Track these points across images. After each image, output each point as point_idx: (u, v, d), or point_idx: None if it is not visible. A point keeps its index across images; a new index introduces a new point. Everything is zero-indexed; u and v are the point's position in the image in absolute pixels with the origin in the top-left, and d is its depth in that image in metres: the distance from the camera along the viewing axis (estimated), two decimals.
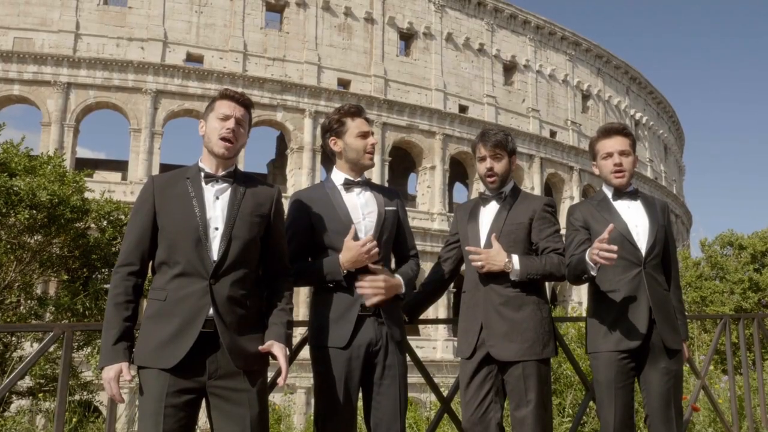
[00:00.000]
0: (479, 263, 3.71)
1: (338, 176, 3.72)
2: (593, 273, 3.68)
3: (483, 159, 3.92)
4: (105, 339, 2.99)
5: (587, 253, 3.64)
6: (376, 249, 3.44)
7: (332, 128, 3.71)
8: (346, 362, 3.42)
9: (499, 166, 3.91)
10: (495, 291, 3.76)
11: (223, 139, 3.16)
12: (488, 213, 3.95)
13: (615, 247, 3.50)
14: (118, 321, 3.00)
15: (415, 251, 3.83)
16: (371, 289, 3.43)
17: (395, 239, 3.73)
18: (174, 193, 3.12)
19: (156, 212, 3.10)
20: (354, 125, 3.68)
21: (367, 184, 3.74)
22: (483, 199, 4.01)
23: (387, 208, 3.66)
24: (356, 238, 3.48)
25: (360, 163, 3.69)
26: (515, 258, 3.70)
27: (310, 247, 3.61)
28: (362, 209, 3.62)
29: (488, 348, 3.74)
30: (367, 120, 3.77)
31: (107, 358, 2.95)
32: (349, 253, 3.42)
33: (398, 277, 3.58)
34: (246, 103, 3.28)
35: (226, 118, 3.18)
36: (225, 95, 3.26)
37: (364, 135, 3.67)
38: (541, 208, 3.89)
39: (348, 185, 3.67)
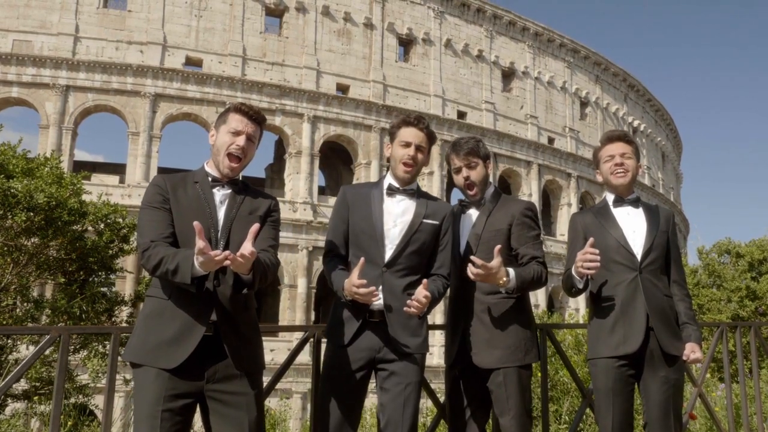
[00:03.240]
0: (478, 277, 3.54)
1: (387, 180, 3.72)
2: (579, 286, 3.79)
3: (459, 170, 3.91)
4: (173, 270, 2.85)
5: (573, 267, 3.75)
6: (373, 297, 3.31)
7: (390, 133, 3.74)
8: (347, 361, 3.46)
9: (475, 174, 3.89)
10: (477, 299, 3.77)
11: (231, 155, 3.17)
12: (468, 220, 3.94)
13: (597, 255, 3.60)
14: (171, 253, 2.89)
15: (447, 271, 3.69)
16: (416, 305, 3.35)
17: (431, 254, 3.66)
18: (186, 196, 3.13)
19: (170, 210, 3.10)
20: (401, 133, 3.66)
21: (416, 194, 3.69)
22: (462, 206, 3.99)
23: (424, 221, 3.61)
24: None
25: (395, 172, 3.67)
26: (512, 273, 3.63)
27: (346, 239, 3.64)
28: (396, 217, 3.60)
29: (471, 355, 3.74)
30: (429, 134, 3.66)
31: (187, 264, 2.82)
32: (348, 286, 3.36)
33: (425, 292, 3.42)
34: (259, 120, 3.27)
35: (237, 133, 3.19)
36: (239, 109, 3.24)
37: (406, 145, 3.63)
38: (520, 212, 3.86)
39: (391, 191, 3.66)
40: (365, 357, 3.46)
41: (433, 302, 3.49)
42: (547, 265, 3.93)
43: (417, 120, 3.67)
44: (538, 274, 3.74)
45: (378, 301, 3.46)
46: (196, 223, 2.75)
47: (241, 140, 3.18)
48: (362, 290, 3.27)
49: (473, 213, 3.93)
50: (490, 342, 3.70)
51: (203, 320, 2.97)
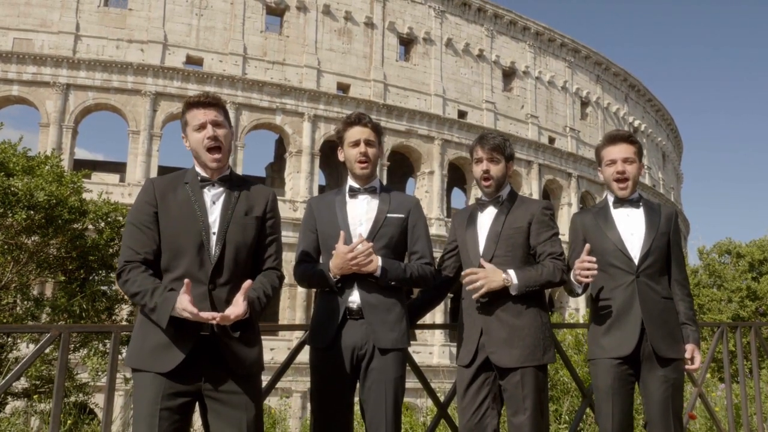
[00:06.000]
0: (479, 283, 3.63)
1: (349, 184, 3.77)
2: (578, 291, 3.84)
3: (479, 161, 3.93)
4: (151, 309, 2.89)
5: (571, 273, 3.79)
6: (365, 258, 3.41)
7: (338, 138, 3.78)
8: (332, 363, 3.50)
9: (496, 170, 3.91)
10: (495, 297, 3.75)
11: (210, 149, 3.14)
12: (486, 218, 3.94)
13: (594, 264, 3.64)
14: (149, 288, 2.92)
15: (427, 260, 3.73)
16: (354, 251, 3.44)
17: (403, 248, 3.71)
18: (175, 198, 3.10)
19: (158, 216, 3.08)
20: (348, 135, 3.71)
21: (378, 191, 3.74)
22: (480, 205, 4.00)
23: (389, 215, 3.65)
24: (349, 243, 3.51)
25: (353, 172, 3.72)
26: (512, 273, 3.69)
27: (316, 248, 3.73)
28: (361, 216, 3.66)
29: (488, 354, 3.73)
30: (374, 127, 3.72)
31: (165, 308, 2.85)
32: (336, 259, 3.47)
33: (378, 258, 3.52)
34: (213, 102, 3.21)
35: (202, 126, 3.15)
36: (190, 104, 3.21)
37: (355, 144, 3.67)
38: (539, 211, 3.89)
39: (353, 192, 3.72)
40: (348, 356, 3.49)
41: (411, 281, 3.58)
42: None
43: (358, 118, 3.72)
44: (550, 271, 3.74)
45: (355, 299, 3.52)
46: (186, 281, 2.79)
47: (209, 131, 3.14)
48: (361, 246, 3.38)
49: (491, 211, 3.94)
50: (508, 341, 3.70)
51: (198, 323, 2.94)
